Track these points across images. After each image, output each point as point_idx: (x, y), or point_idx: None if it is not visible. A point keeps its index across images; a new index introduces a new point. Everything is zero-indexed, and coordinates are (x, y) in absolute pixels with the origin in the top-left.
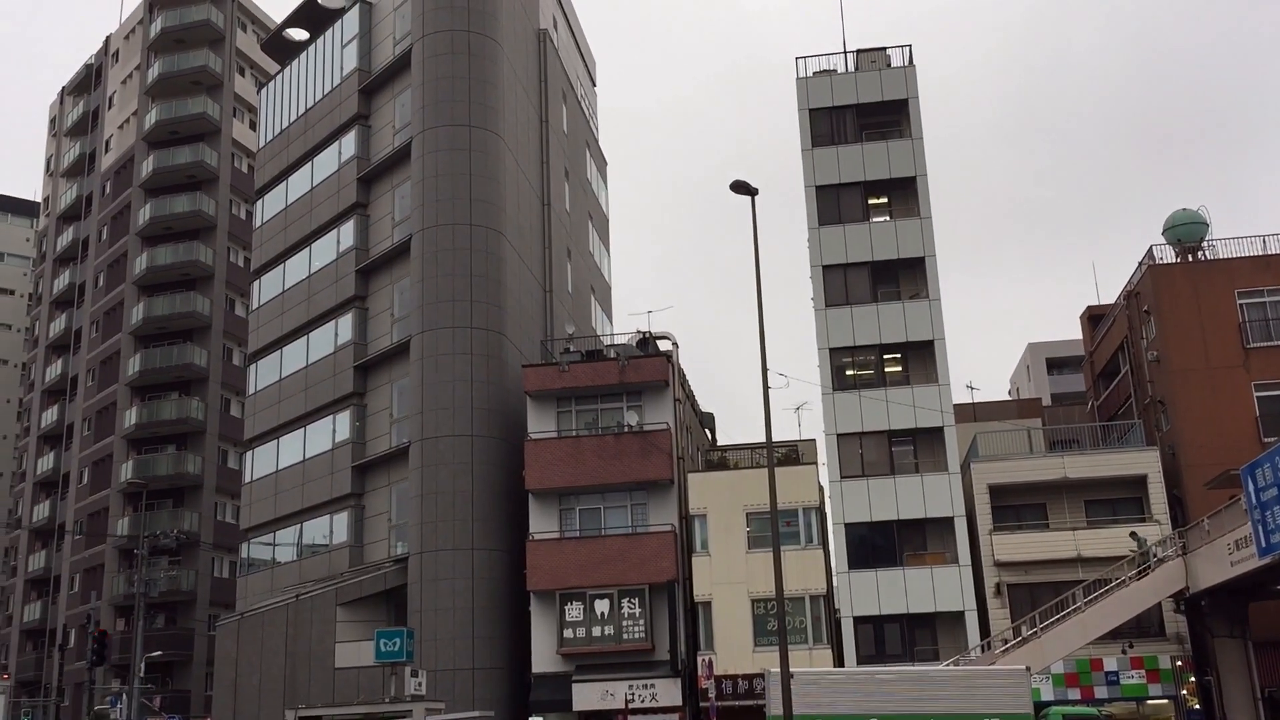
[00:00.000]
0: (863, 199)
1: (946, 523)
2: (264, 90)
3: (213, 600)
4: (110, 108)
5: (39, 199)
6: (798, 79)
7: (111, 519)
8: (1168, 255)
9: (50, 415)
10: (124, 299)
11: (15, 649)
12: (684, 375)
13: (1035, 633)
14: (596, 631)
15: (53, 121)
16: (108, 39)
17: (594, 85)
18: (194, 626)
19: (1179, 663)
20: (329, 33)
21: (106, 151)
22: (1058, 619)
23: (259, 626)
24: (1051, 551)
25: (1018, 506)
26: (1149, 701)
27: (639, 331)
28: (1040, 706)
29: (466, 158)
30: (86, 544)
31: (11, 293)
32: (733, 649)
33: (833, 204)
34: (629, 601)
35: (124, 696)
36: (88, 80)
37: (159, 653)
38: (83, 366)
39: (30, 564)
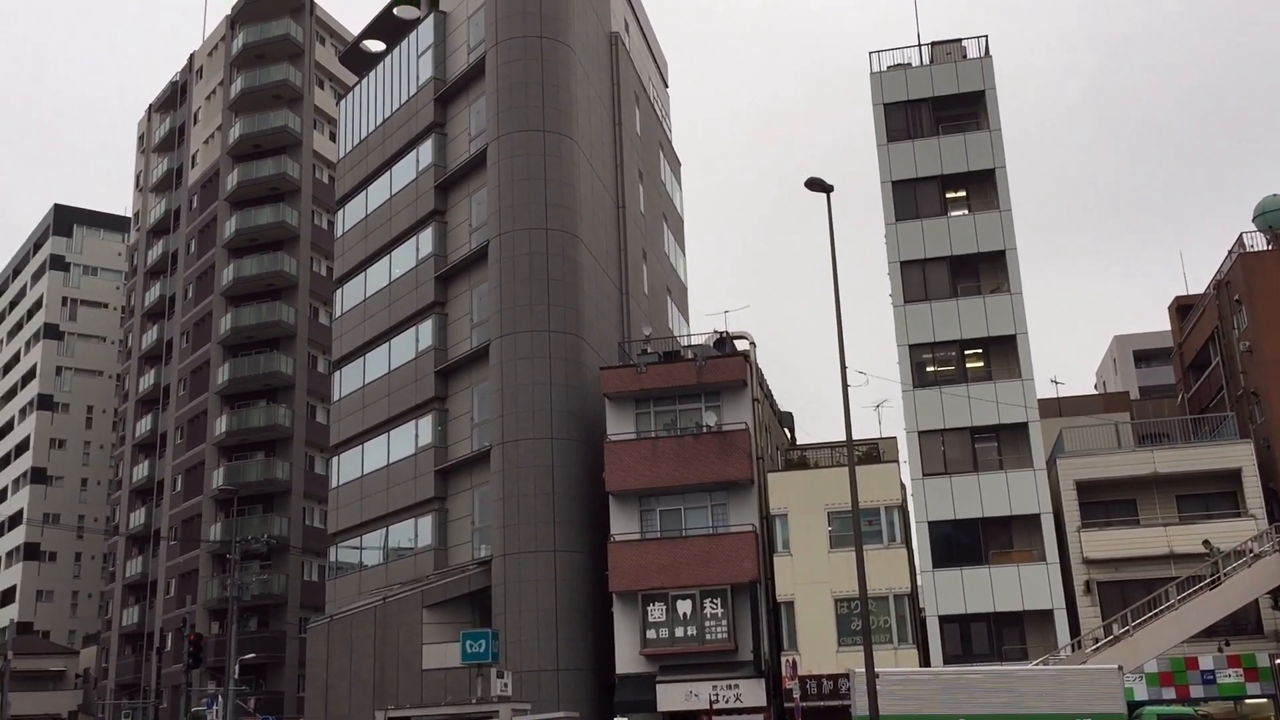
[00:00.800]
0: (940, 193)
1: (1033, 520)
2: (343, 102)
3: (303, 603)
4: (195, 123)
5: (130, 214)
6: (872, 74)
7: (204, 525)
8: (1259, 242)
9: (144, 424)
10: (212, 310)
11: (115, 652)
12: (762, 375)
13: (1127, 631)
14: (679, 632)
15: (141, 138)
16: (192, 56)
17: (666, 86)
18: (285, 629)
19: (1278, 661)
20: (405, 43)
21: (193, 166)
22: (1151, 616)
23: (348, 629)
24: (1142, 548)
25: (1107, 503)
26: (1247, 701)
27: (716, 331)
28: (1134, 706)
29: (541, 162)
30: (181, 549)
31: (105, 306)
32: (816, 649)
33: (910, 199)
34: (711, 602)
35: (219, 698)
36: (174, 97)
37: (252, 655)
38: (174, 376)
39: (128, 569)
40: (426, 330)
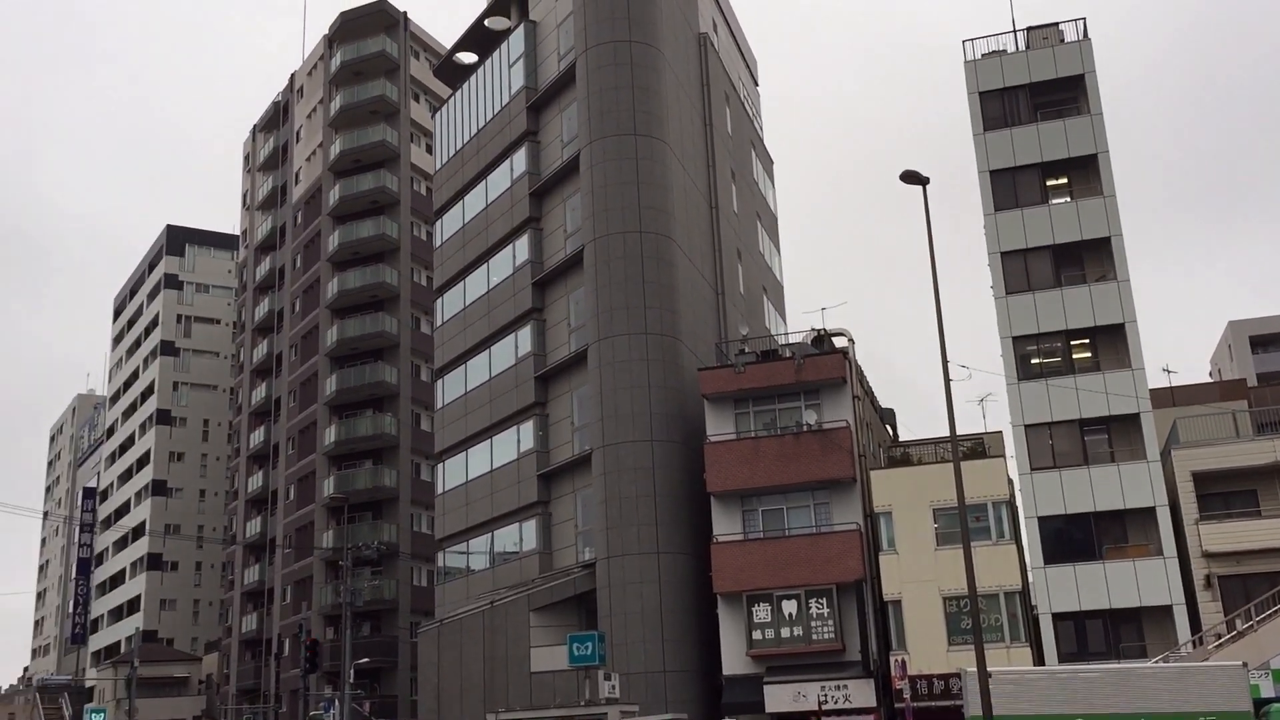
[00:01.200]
0: (1040, 181)
1: (1148, 513)
2: (438, 114)
3: (414, 608)
4: (298, 141)
5: (238, 232)
6: (966, 62)
7: (317, 532)
8: None
9: (257, 436)
10: (319, 322)
11: (235, 658)
12: (861, 371)
13: (1251, 626)
14: (785, 632)
15: (246, 158)
16: (293, 76)
17: (756, 84)
18: (397, 634)
19: None
20: (496, 54)
21: (296, 183)
22: (1276, 611)
23: (457, 633)
24: (1266, 540)
25: (1225, 494)
26: None
27: (813, 329)
28: (1260, 704)
29: (634, 166)
30: (296, 557)
31: (218, 322)
32: (926, 648)
33: (1009, 188)
34: (817, 602)
35: (336, 702)
36: (276, 117)
37: (366, 659)
38: (284, 389)
39: (246, 577)
40: (525, 336)
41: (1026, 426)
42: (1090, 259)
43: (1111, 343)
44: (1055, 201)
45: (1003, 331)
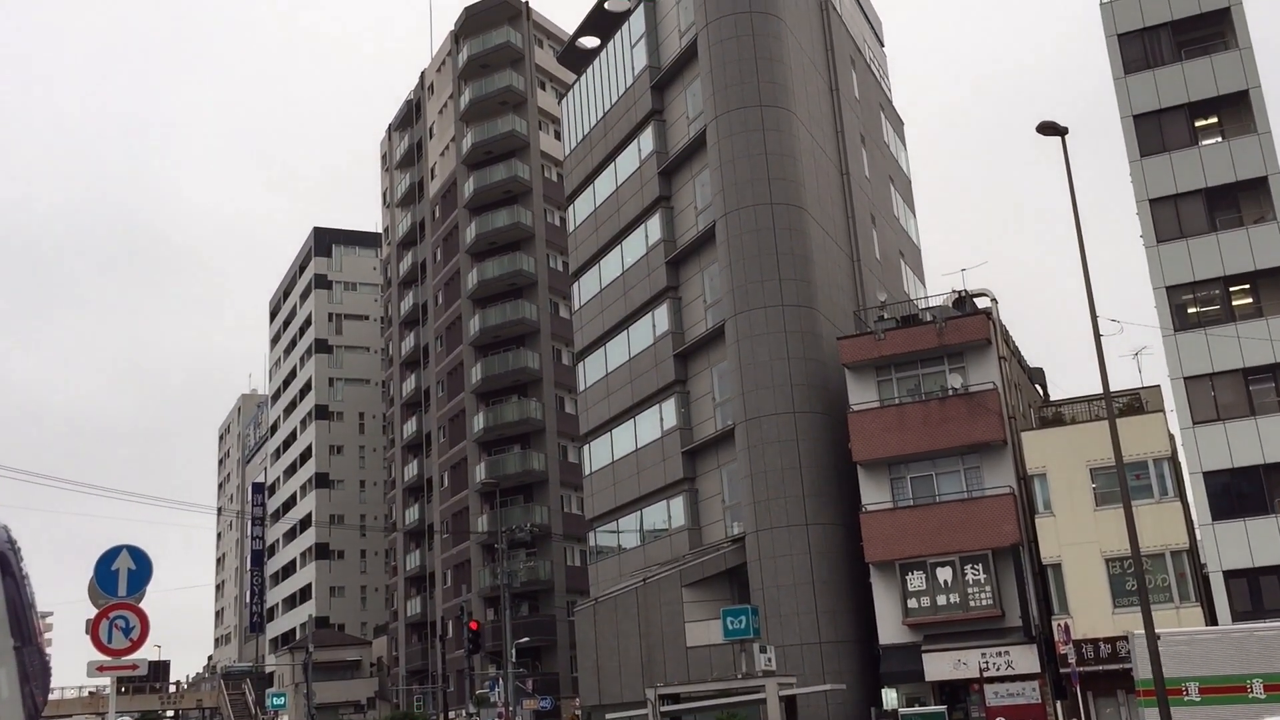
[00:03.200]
0: (1188, 122)
1: None
2: (564, 100)
3: (569, 587)
4: (431, 137)
5: (380, 229)
6: (1102, 4)
7: (472, 517)
8: None
9: (410, 426)
10: (461, 313)
11: (403, 641)
12: (1006, 331)
13: None
14: (941, 600)
15: (384, 157)
16: (423, 74)
17: (882, 45)
18: (554, 613)
19: None
20: (618, 36)
21: (432, 178)
22: None
23: (612, 610)
24: None
25: None
26: None
27: (954, 291)
28: None
29: (761, 138)
30: (453, 542)
31: (366, 318)
32: (1090, 611)
33: (1154, 132)
34: (972, 568)
35: (500, 681)
36: (409, 115)
37: (526, 639)
38: (433, 379)
39: (407, 563)
40: (662, 315)
41: (1186, 379)
42: (1247, 201)
43: (1273, 287)
44: (1205, 143)
45: (1155, 281)
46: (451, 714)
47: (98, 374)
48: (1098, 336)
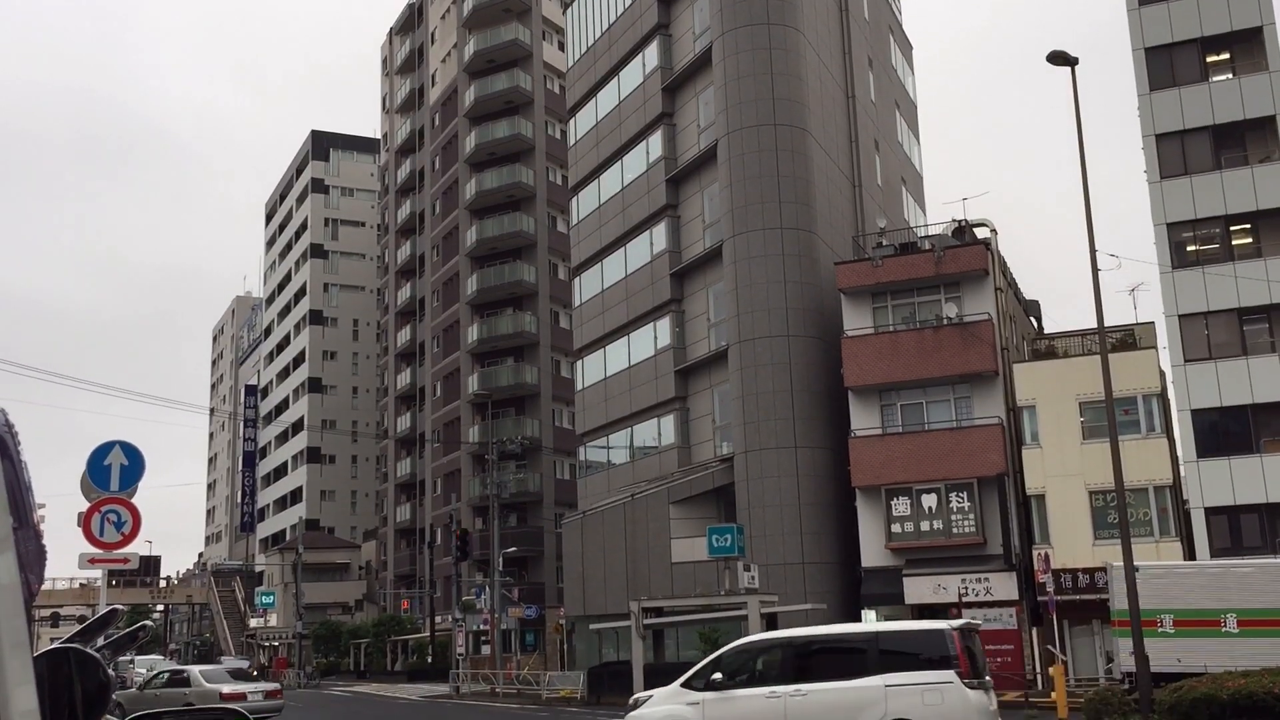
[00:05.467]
0: (1200, 57)
1: None
2: (569, 10)
3: (557, 500)
4: (433, 43)
5: (378, 135)
6: None
7: (463, 427)
8: None
9: (404, 335)
10: (458, 223)
11: (392, 546)
12: (1004, 262)
13: None
14: (925, 526)
15: (384, 61)
16: None
17: None
18: (542, 525)
19: None
20: None
21: (433, 85)
22: None
23: (599, 524)
24: None
25: None
26: None
27: (954, 220)
28: None
29: (767, 57)
30: (444, 451)
31: (362, 224)
32: (1070, 542)
33: (1165, 66)
34: (957, 495)
35: (487, 588)
36: (411, 19)
37: (513, 549)
38: (428, 289)
39: (398, 470)
40: (660, 233)
41: (1181, 316)
42: (1253, 139)
43: (1274, 228)
44: (1216, 79)
45: (1156, 218)
46: (438, 619)
47: (68, 263)
48: (1095, 271)
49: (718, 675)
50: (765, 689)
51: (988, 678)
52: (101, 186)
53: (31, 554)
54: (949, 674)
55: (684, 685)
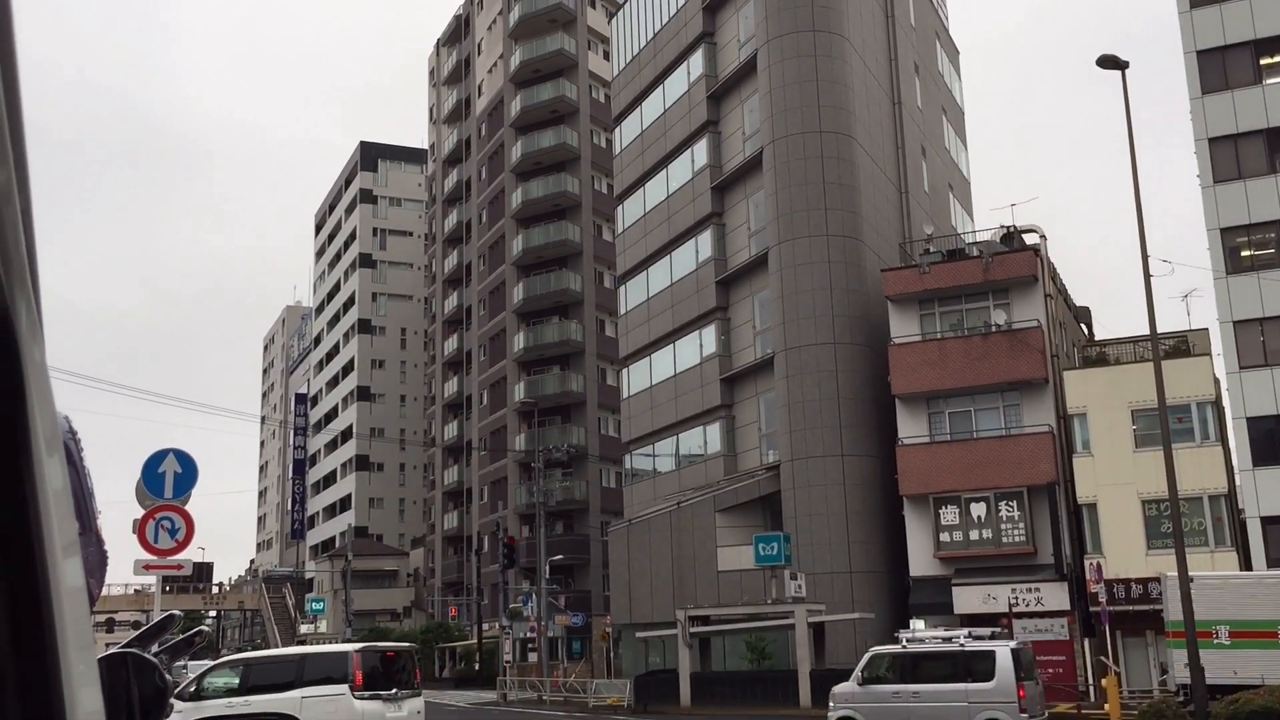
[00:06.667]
0: (1253, 59)
1: None
2: (614, 20)
3: (603, 508)
4: (480, 54)
5: (426, 146)
6: None
7: (509, 435)
8: None
9: (451, 343)
10: (504, 232)
11: (439, 554)
12: (1054, 269)
13: None
14: (974, 535)
15: (431, 73)
16: None
17: None
18: (588, 533)
19: None
20: None
21: (479, 95)
22: None
23: (645, 532)
24: None
25: None
26: None
27: (1002, 226)
28: None
29: (812, 64)
30: (491, 459)
31: (410, 234)
32: (1123, 552)
33: (1218, 68)
34: (1006, 504)
35: (533, 596)
36: (458, 30)
37: (560, 556)
38: (475, 297)
39: (445, 478)
40: (706, 241)
41: (1235, 323)
42: None
43: None
44: (1270, 81)
45: (1210, 223)
46: (485, 626)
47: (118, 273)
48: (1147, 277)
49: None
50: (224, 701)
51: (395, 690)
52: (149, 198)
53: (94, 559)
54: (344, 688)
55: None
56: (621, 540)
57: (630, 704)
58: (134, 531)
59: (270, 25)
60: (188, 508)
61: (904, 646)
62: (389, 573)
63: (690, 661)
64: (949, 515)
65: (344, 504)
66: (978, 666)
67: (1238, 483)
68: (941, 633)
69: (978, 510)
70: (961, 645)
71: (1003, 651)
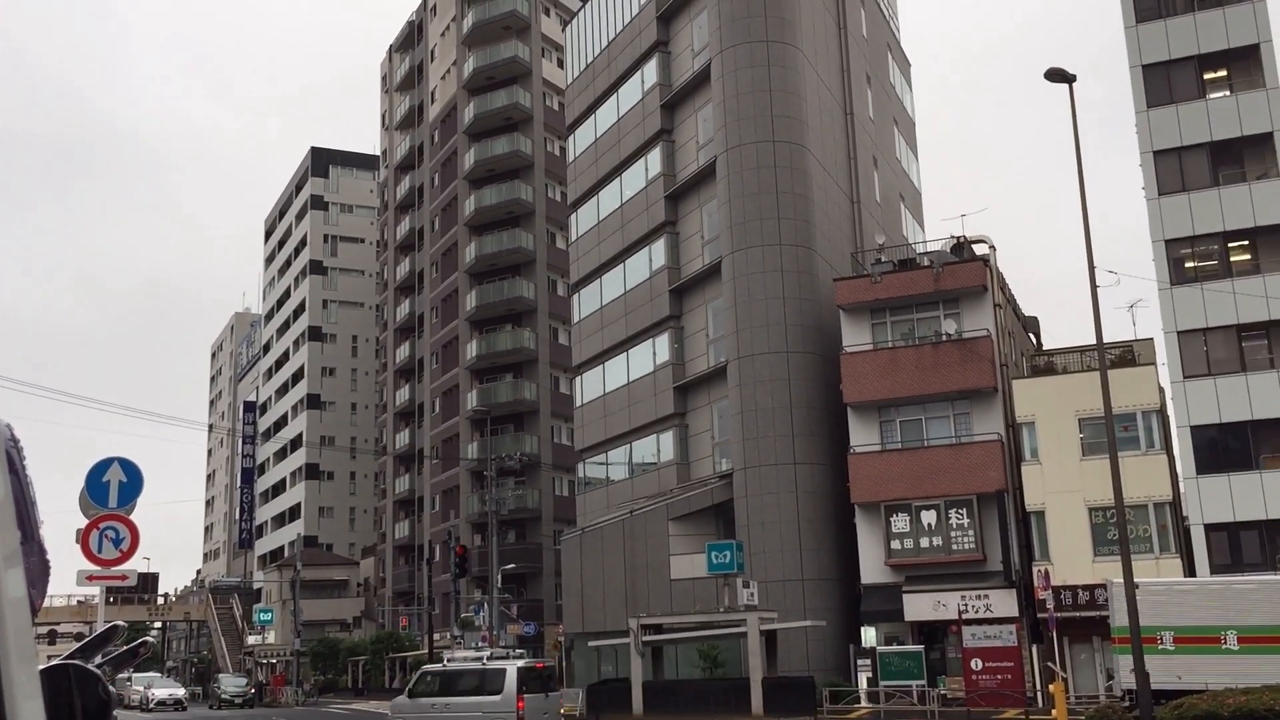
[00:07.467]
0: (1197, 74)
1: None
2: (568, 28)
3: (556, 516)
4: (433, 60)
5: (378, 152)
6: None
7: (462, 444)
8: None
9: (403, 351)
10: (457, 240)
11: (390, 563)
12: (1003, 279)
13: None
14: (924, 542)
15: (384, 78)
16: None
17: None
18: (541, 541)
19: None
20: None
21: (432, 102)
22: None
23: (598, 541)
24: None
25: None
26: None
27: (953, 236)
28: None
29: (766, 74)
30: (443, 468)
31: (362, 241)
32: (1070, 559)
33: (1163, 83)
34: (956, 512)
35: (485, 605)
36: (411, 36)
37: (512, 565)
38: (427, 305)
39: (397, 487)
40: (659, 249)
41: (1180, 333)
42: (1251, 156)
43: (1273, 244)
44: (1213, 96)
45: (1155, 234)
46: (436, 635)
47: (55, 279)
48: (1094, 287)
49: None
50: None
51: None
52: (90, 204)
53: (36, 569)
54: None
55: None
56: (574, 549)
57: (582, 713)
58: (77, 541)
59: (223, 27)
60: (133, 517)
61: (445, 665)
62: (339, 582)
63: (642, 670)
64: (900, 523)
65: (293, 513)
66: (492, 682)
67: (1182, 490)
68: (473, 653)
69: (928, 518)
70: (483, 664)
71: (511, 669)
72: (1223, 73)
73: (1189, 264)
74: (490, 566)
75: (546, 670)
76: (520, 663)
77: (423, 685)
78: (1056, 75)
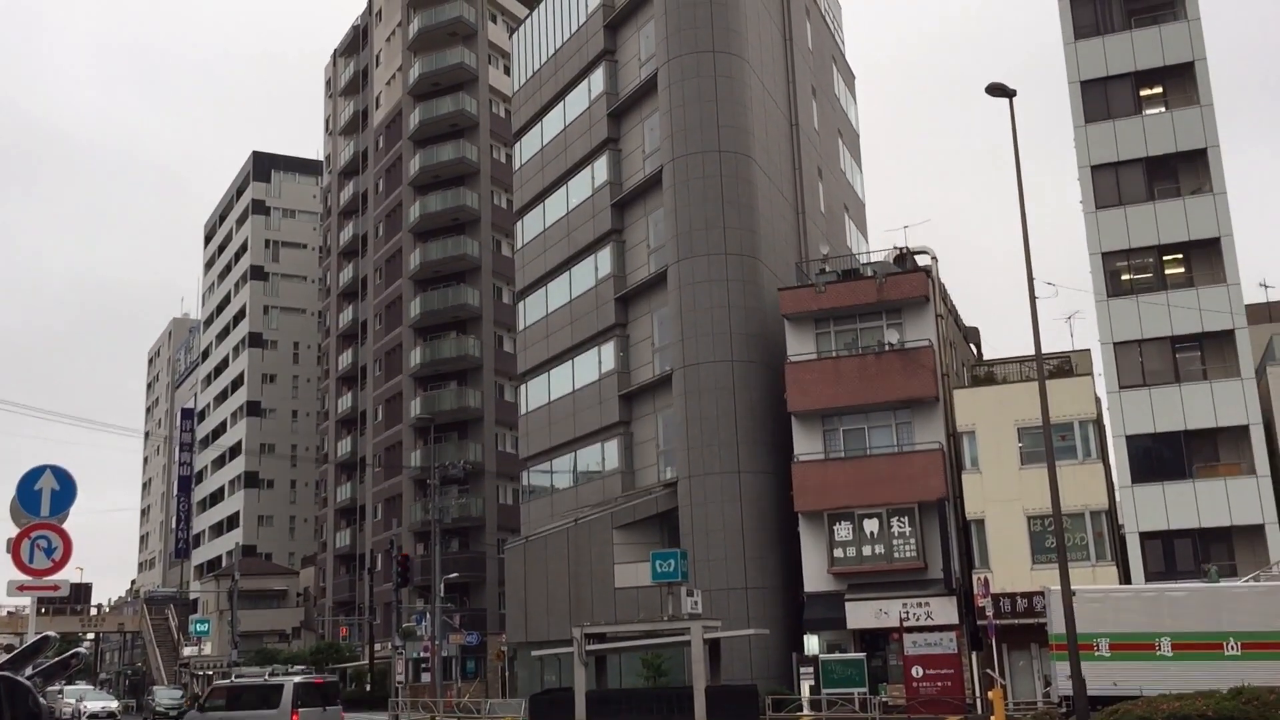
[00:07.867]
0: (1134, 90)
1: (1240, 431)
2: (515, 35)
3: (500, 525)
4: (378, 65)
5: (321, 157)
6: None
7: (405, 452)
8: None
9: (345, 358)
10: (402, 246)
11: (331, 572)
12: (945, 290)
13: None
14: (867, 551)
15: (328, 83)
16: None
17: None
18: (484, 550)
19: None
20: None
21: (377, 108)
22: None
23: (542, 549)
24: None
25: None
26: None
27: (896, 247)
28: None
29: (712, 84)
30: (385, 476)
31: (304, 246)
32: (1009, 567)
33: (1100, 98)
34: (898, 520)
35: (428, 614)
36: (356, 41)
37: (455, 574)
38: (370, 312)
39: (338, 495)
40: (605, 258)
41: (1116, 344)
42: (1185, 171)
43: (1206, 257)
44: (1149, 112)
45: (1092, 247)
46: (377, 646)
47: None
48: (1033, 299)
49: None
50: None
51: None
52: (21, 208)
53: None
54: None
55: None
56: (518, 557)
57: None
58: (8, 551)
59: (157, 31)
60: (65, 526)
61: (233, 680)
62: (278, 592)
63: (586, 680)
64: (843, 531)
65: (231, 522)
66: (272, 696)
67: (1118, 499)
68: (259, 669)
69: (870, 526)
70: (264, 680)
71: (288, 685)
72: (1158, 89)
73: (1125, 276)
74: (433, 575)
75: (327, 685)
76: (298, 678)
77: (212, 700)
78: (997, 90)
